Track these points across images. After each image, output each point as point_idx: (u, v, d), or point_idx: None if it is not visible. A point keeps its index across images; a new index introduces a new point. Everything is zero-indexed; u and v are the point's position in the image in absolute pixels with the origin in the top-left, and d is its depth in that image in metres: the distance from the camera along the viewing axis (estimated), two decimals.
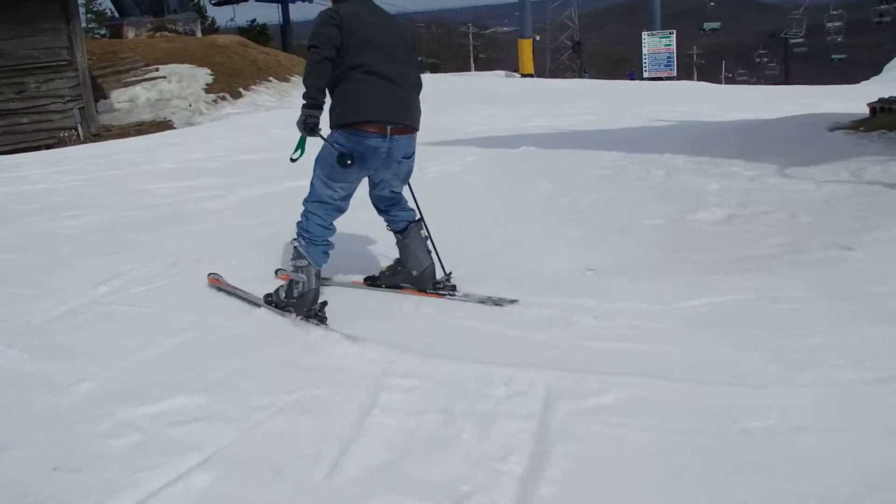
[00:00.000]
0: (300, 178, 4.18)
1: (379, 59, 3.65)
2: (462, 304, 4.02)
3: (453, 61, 74.09)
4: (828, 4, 49.24)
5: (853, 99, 18.91)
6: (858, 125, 8.68)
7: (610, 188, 6.48)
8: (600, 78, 49.19)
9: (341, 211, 3.90)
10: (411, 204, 4.21)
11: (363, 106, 3.63)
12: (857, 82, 35.99)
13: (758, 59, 62.92)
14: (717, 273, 4.22)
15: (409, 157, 3.92)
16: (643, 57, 33.62)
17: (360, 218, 4.51)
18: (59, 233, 5.90)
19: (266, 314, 3.88)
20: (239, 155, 10.14)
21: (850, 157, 6.54)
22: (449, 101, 19.63)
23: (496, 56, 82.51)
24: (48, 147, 13.07)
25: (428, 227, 4.27)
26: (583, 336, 3.48)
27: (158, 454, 2.63)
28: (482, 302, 4.01)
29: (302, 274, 3.79)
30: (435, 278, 4.19)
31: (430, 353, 3.29)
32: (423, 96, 4.02)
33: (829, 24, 48.08)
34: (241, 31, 37.14)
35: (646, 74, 33.16)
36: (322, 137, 3.66)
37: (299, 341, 3.53)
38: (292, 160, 3.89)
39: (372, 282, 4.37)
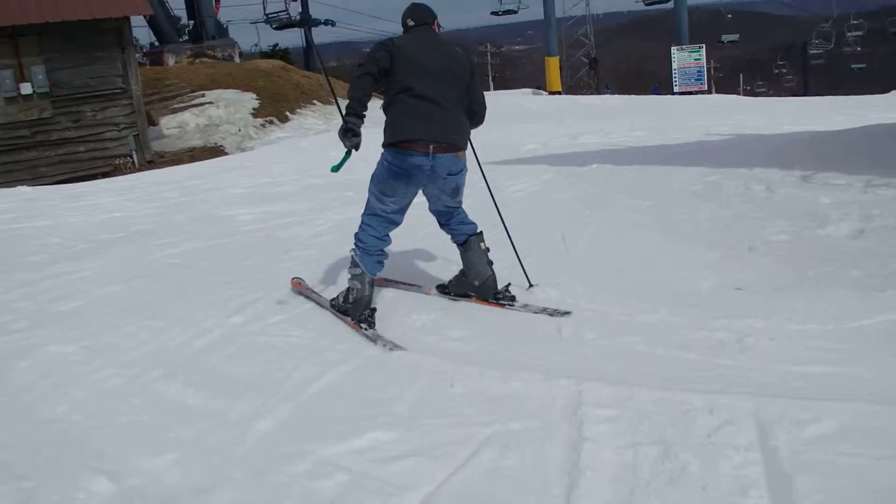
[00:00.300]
0: None
1: (425, 84, 3.94)
2: (612, 324, 3.89)
3: None
4: (842, 15, 49.20)
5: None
6: None
7: (714, 204, 6.33)
8: (621, 93, 49.07)
9: (395, 224, 4.20)
10: (473, 217, 4.42)
11: (407, 126, 3.94)
12: (886, 91, 35.63)
13: (776, 71, 62.34)
14: (875, 290, 4.07)
15: (455, 174, 4.14)
16: (673, 71, 33.42)
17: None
18: (163, 262, 5.84)
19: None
20: (306, 179, 10.10)
21: None
22: (491, 119, 19.56)
23: (513, 75, 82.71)
24: (104, 175, 13.13)
25: (513, 240, 4.59)
26: (767, 359, 3.34)
27: (374, 495, 2.52)
28: (539, 313, 4.19)
29: (356, 281, 4.10)
30: (496, 288, 4.38)
31: (619, 381, 3.16)
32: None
33: (850, 35, 47.75)
34: (263, 55, 37.37)
35: (676, 89, 32.98)
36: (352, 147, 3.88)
37: (472, 372, 3.40)
38: (332, 170, 4.12)
39: (442, 290, 4.61)
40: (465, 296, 4.47)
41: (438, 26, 4.30)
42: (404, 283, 4.77)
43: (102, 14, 13.64)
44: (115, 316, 4.48)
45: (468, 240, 4.36)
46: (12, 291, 5.15)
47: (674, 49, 33.26)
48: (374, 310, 4.11)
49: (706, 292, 4.28)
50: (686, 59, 32.83)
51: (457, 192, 4.25)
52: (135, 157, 13.90)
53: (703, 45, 32.99)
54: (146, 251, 6.28)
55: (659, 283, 4.49)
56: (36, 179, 12.86)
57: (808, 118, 16.72)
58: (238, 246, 6.33)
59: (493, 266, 4.37)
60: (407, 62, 3.91)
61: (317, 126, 16.10)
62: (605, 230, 5.84)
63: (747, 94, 56.08)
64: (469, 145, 4.23)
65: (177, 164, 13.33)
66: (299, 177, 10.37)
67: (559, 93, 37.43)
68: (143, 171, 13.03)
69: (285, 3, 26.14)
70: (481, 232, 4.40)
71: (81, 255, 6.24)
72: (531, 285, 4.51)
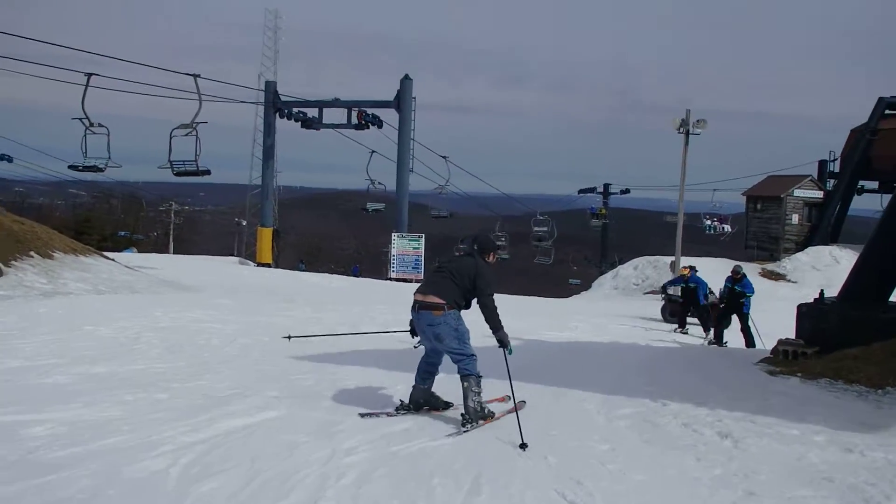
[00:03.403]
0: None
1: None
2: None
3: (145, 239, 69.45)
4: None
5: (612, 316, 20.18)
6: (788, 369, 8.77)
7: (686, 456, 5.47)
8: (315, 270, 48.93)
9: (426, 357, 6.54)
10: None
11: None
12: (566, 295, 39.53)
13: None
14: None
15: (433, 325, 6.16)
16: (392, 258, 33.96)
17: None
18: None
19: None
20: (79, 365, 7.55)
21: (888, 421, 6.33)
22: (226, 293, 17.65)
23: (189, 235, 79.44)
24: None
25: None
26: None
27: None
28: None
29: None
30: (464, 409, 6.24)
31: None
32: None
33: (536, 230, 49.96)
34: None
35: (393, 275, 33.39)
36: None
37: None
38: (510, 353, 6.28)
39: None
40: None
41: (490, 255, 6.53)
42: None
43: None
44: None
45: (461, 377, 6.19)
46: None
47: (395, 236, 33.93)
48: (407, 404, 6.56)
49: None
50: (406, 246, 33.60)
51: (438, 338, 6.15)
52: None
53: (423, 235, 34.10)
54: None
55: None
56: None
57: (549, 320, 17.09)
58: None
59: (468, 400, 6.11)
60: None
61: (40, 284, 12.90)
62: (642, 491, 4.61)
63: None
64: None
65: None
66: (63, 360, 7.77)
67: (269, 265, 36.00)
68: None
69: (195, 156, 25.41)
70: (468, 375, 6.14)
71: None
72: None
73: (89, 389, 6.77)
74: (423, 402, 6.55)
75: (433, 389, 6.63)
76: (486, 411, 6.22)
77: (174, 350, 9.09)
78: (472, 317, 6.32)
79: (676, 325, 18.02)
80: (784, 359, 9.34)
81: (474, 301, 6.31)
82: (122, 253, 33.19)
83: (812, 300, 10.19)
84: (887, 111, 37.94)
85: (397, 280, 32.24)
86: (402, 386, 7.53)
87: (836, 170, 40.43)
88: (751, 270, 35.87)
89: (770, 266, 36.83)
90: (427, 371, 6.51)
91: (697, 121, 30.75)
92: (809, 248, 37.93)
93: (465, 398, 6.11)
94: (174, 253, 56.41)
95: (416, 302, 6.22)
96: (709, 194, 44.43)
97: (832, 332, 9.39)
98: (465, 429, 5.98)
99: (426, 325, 6.14)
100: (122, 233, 61.84)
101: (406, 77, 35.25)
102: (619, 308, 26.22)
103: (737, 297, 15.41)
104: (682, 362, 10.22)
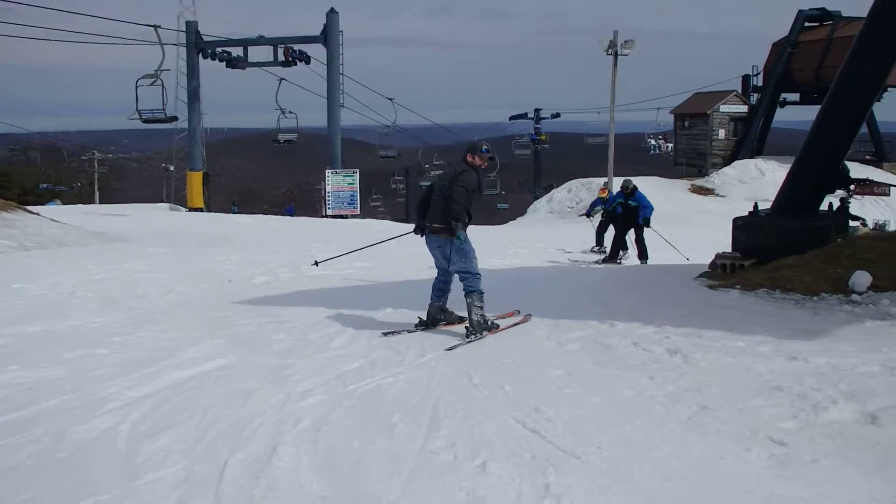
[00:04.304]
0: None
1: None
2: None
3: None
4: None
5: (547, 238, 20.37)
6: (727, 282, 8.95)
7: (638, 374, 5.54)
8: (248, 212, 47.99)
9: (438, 270, 7.17)
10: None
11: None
12: (503, 222, 39.71)
13: (393, 185, 63.50)
14: None
15: (441, 246, 6.87)
16: (326, 194, 33.44)
17: None
18: None
19: None
20: (20, 325, 7.22)
21: (827, 327, 6.53)
22: (159, 241, 17.19)
23: (117, 184, 76.90)
24: None
25: None
26: None
27: None
28: None
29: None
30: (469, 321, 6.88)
31: None
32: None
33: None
34: None
35: (329, 212, 32.97)
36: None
37: None
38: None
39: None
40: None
41: (471, 158, 6.92)
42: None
43: None
44: None
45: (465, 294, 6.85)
46: None
47: (328, 172, 33.34)
48: (424, 321, 7.18)
49: None
50: (340, 182, 33.11)
51: (447, 258, 6.81)
52: None
53: (357, 171, 33.59)
54: None
55: None
56: None
57: (489, 248, 17.06)
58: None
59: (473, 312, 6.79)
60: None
61: None
62: (605, 412, 4.65)
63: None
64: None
65: None
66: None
67: (201, 209, 35.11)
68: None
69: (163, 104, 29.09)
70: (472, 291, 6.77)
71: None
72: None
73: (25, 350, 6.49)
74: (440, 317, 7.17)
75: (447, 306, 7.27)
76: (489, 323, 6.92)
77: (111, 303, 8.80)
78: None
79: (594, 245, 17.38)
80: (722, 272, 9.55)
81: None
82: (46, 206, 31.92)
83: (747, 213, 10.39)
84: (807, 23, 38.64)
85: (333, 217, 31.89)
86: (350, 320, 7.48)
87: (760, 84, 41.17)
88: (681, 187, 36.63)
89: (699, 181, 37.59)
90: (441, 289, 7.14)
91: (625, 41, 30.77)
92: (736, 161, 38.81)
93: (469, 312, 6.75)
94: (100, 203, 54.54)
95: (426, 227, 6.95)
96: (639, 115, 44.89)
97: (768, 243, 9.61)
98: (468, 339, 6.63)
99: (436, 247, 6.88)
100: (44, 185, 59.31)
101: (332, 10, 34.15)
102: (556, 232, 26.48)
103: (632, 212, 15.45)
104: (624, 282, 10.36)
